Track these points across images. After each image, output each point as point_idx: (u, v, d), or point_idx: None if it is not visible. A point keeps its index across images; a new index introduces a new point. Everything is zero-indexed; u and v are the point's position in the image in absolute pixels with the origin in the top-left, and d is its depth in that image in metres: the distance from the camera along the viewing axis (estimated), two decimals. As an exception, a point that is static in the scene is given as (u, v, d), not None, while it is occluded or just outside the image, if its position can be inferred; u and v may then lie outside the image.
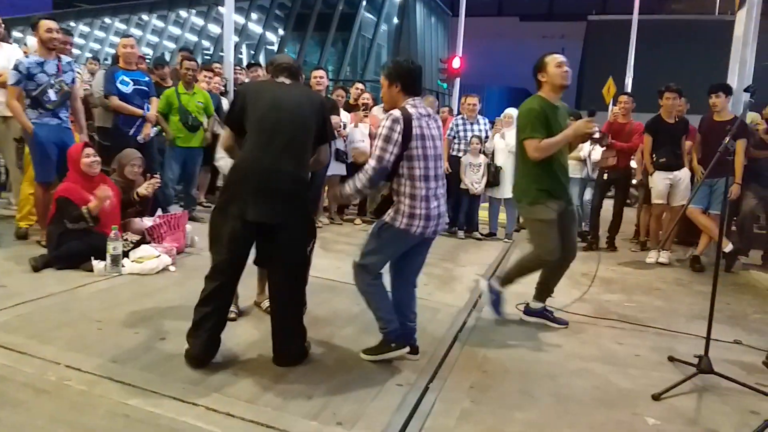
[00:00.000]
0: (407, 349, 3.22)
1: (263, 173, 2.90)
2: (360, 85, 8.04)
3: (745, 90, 3.41)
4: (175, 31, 31.52)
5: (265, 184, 2.89)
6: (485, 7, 36.32)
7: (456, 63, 16.33)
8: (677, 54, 24.72)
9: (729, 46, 8.05)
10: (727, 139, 3.25)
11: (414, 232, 3.03)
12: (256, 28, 29.29)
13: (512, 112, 7.05)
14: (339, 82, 17.25)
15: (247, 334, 3.48)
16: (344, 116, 7.03)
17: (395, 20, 30.87)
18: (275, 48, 29.23)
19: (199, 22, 30.77)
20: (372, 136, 7.21)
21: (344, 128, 6.95)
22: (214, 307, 2.96)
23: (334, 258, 5.45)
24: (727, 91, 5.91)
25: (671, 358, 3.47)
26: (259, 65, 7.91)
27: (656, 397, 2.95)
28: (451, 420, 2.65)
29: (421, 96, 3.20)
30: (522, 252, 4.04)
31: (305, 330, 3.15)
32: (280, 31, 29.90)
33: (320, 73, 6.67)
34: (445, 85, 18.75)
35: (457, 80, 16.71)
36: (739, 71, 7.66)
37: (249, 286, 3.76)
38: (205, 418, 2.48)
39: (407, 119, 2.94)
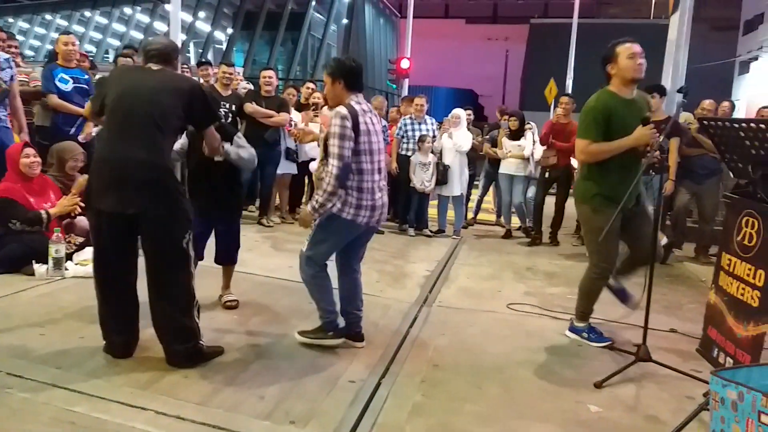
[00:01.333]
0: (342, 340, 3.36)
1: (114, 162, 2.82)
2: (311, 85, 8.01)
3: (678, 91, 3.59)
4: (119, 28, 30.51)
5: (116, 173, 2.80)
6: (432, 9, 36.78)
7: (404, 64, 16.48)
8: (615, 56, 25.64)
9: (663, 48, 8.45)
10: (662, 137, 3.43)
11: (360, 222, 3.16)
12: (204, 27, 28.69)
13: (459, 112, 7.20)
14: (289, 82, 17.12)
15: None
16: (295, 115, 7.00)
17: (345, 20, 30.86)
18: (223, 47, 28.72)
19: (145, 19, 29.89)
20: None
21: (295, 127, 6.92)
22: (107, 307, 2.96)
23: (286, 257, 5.42)
24: (662, 92, 6.20)
25: (612, 348, 3.63)
26: (210, 64, 7.79)
27: (598, 386, 3.09)
28: (403, 414, 2.70)
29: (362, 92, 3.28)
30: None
31: (194, 329, 3.00)
32: (229, 30, 29.40)
33: (269, 73, 6.62)
34: (394, 85, 18.87)
35: (406, 81, 16.87)
36: (673, 73, 8.06)
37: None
38: (155, 422, 2.44)
39: (354, 115, 3.05)
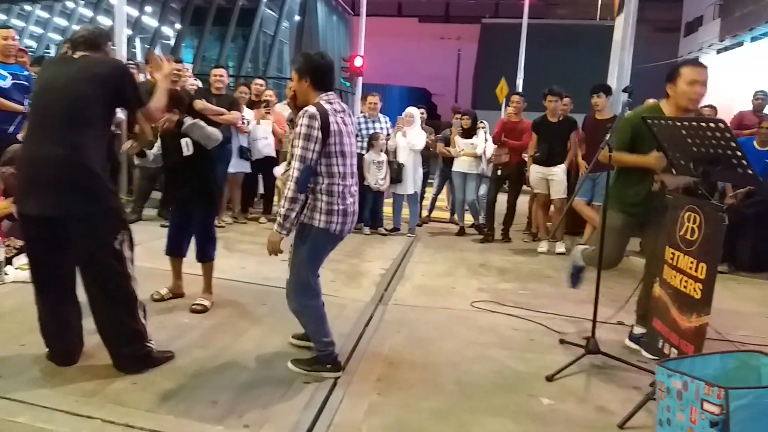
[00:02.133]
0: (341, 374, 3.07)
1: (32, 163, 2.71)
2: (260, 81, 7.90)
3: (624, 90, 3.70)
4: (61, 22, 29.31)
5: (35, 175, 2.69)
6: (385, 7, 36.80)
7: (358, 62, 16.45)
8: (563, 56, 26.26)
9: (609, 49, 8.70)
10: (608, 136, 3.52)
11: (334, 231, 2.95)
12: (150, 21, 27.88)
13: (413, 111, 7.23)
14: (240, 79, 16.80)
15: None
16: (247, 113, 6.89)
17: (297, 17, 30.54)
18: (171, 42, 27.98)
19: (88, 13, 28.81)
20: (275, 134, 7.12)
21: (247, 125, 6.82)
22: (46, 313, 2.86)
23: (238, 258, 5.34)
24: (608, 91, 6.39)
25: (562, 341, 3.72)
26: None
27: (550, 379, 3.16)
28: (359, 414, 2.69)
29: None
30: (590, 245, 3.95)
31: (140, 331, 2.89)
32: (177, 25, 28.67)
33: (221, 71, 6.49)
34: (347, 83, 18.81)
35: (360, 79, 16.84)
36: (618, 73, 8.29)
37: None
38: (102, 431, 2.36)
39: (324, 115, 2.85)
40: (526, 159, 6.97)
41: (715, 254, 2.67)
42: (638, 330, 3.68)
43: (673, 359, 2.57)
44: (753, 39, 22.74)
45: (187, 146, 3.80)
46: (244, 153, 6.82)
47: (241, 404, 2.69)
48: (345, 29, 36.04)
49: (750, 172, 2.65)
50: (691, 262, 2.75)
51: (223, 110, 6.28)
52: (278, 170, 6.61)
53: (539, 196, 6.75)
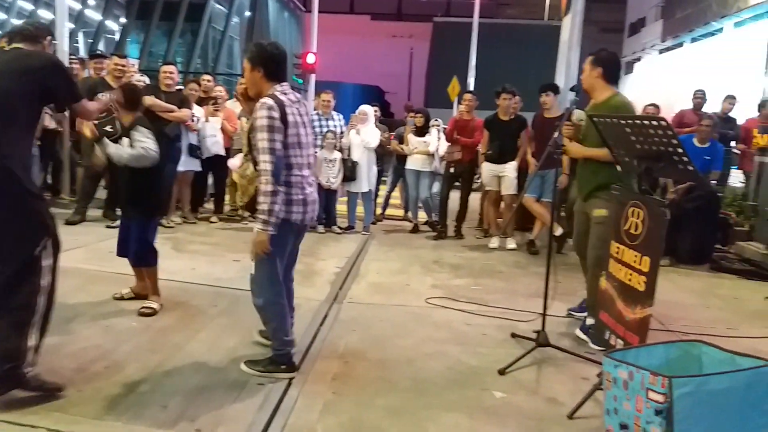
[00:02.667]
0: (295, 374, 3.03)
1: None
2: (209, 77, 7.73)
3: (571, 89, 3.80)
4: (-1, 15, 28.00)
5: None
6: (337, 4, 36.64)
7: (310, 59, 16.32)
8: (513, 55, 26.78)
9: (557, 49, 8.90)
10: (556, 134, 3.61)
11: (296, 220, 2.94)
12: (94, 15, 26.92)
13: (366, 108, 7.22)
14: (189, 75, 16.41)
15: (91, 344, 3.23)
16: (197, 110, 6.73)
17: (247, 13, 30.07)
18: (116, 37, 27.10)
19: (27, 6, 27.58)
20: (225, 131, 6.99)
21: (197, 122, 6.66)
22: None
23: (188, 259, 5.22)
24: (556, 90, 6.53)
25: (514, 335, 3.79)
26: (104, 56, 7.31)
27: (502, 372, 3.21)
28: (314, 414, 2.67)
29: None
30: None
31: (19, 350, 2.50)
32: (122, 19, 27.78)
33: (171, 68, 6.33)
34: (300, 80, 18.64)
35: (312, 76, 16.71)
36: (566, 72, 8.50)
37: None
38: (46, 440, 2.27)
39: (281, 106, 2.82)
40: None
41: (658, 248, 2.77)
42: (590, 321, 3.77)
43: (619, 350, 2.65)
44: (693, 40, 23.71)
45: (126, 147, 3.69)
46: (194, 151, 6.66)
47: (193, 408, 2.63)
48: (297, 26, 35.71)
49: (690, 168, 2.76)
50: (636, 256, 2.84)
51: (173, 107, 6.13)
52: (234, 163, 6.44)
53: (490, 194, 6.86)
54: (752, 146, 7.54)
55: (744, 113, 9.22)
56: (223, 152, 6.94)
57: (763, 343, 3.71)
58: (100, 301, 3.92)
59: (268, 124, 2.78)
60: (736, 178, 8.87)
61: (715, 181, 6.90)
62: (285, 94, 2.92)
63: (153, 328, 3.55)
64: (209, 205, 7.54)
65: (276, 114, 2.79)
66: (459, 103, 9.19)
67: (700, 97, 8.64)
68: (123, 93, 3.80)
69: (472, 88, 17.31)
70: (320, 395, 2.85)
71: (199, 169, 6.81)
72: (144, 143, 3.64)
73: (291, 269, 3.29)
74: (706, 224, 6.17)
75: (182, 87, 6.97)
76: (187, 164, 6.59)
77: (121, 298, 3.96)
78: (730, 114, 8.88)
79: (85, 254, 4.97)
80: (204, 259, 5.22)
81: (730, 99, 8.87)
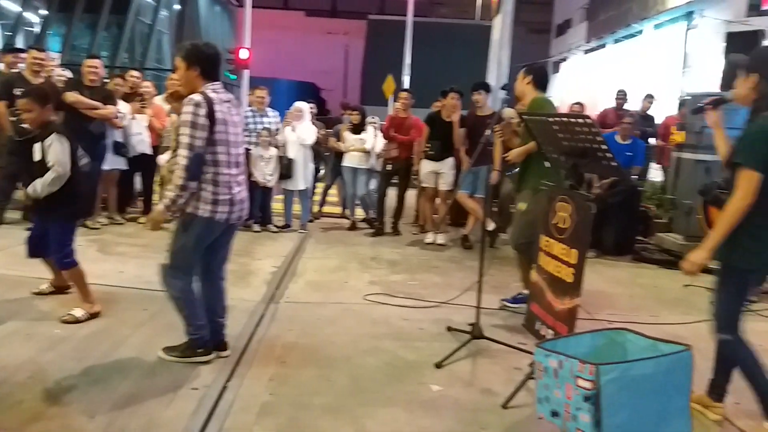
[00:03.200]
0: (213, 355, 3.16)
1: None
2: (136, 73, 7.43)
3: (502, 88, 3.92)
4: None
5: None
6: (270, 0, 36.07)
7: (243, 54, 15.99)
8: (446, 54, 27.13)
9: (488, 48, 9.12)
10: (488, 131, 3.70)
11: (219, 220, 2.96)
12: (11, 6, 25.33)
13: (302, 105, 7.15)
14: (115, 70, 15.71)
15: (12, 353, 3.05)
16: (123, 107, 6.46)
17: (176, 6, 29.10)
18: (36, 30, 25.60)
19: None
20: (153, 128, 6.75)
21: (123, 119, 6.39)
22: None
23: (116, 262, 5.01)
24: (488, 89, 6.68)
25: (449, 328, 3.86)
26: (21, 50, 6.88)
27: (438, 365, 3.27)
28: (250, 416, 2.63)
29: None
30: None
31: None
32: (42, 11, 26.27)
33: (95, 62, 6.04)
34: (233, 76, 18.21)
35: (246, 72, 16.38)
36: (497, 71, 8.73)
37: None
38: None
39: (209, 103, 2.87)
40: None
41: (585, 241, 2.89)
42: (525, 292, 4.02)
43: (549, 340, 2.74)
44: (615, 41, 24.82)
45: (38, 152, 3.50)
46: (120, 149, 6.40)
47: (123, 417, 2.53)
48: (229, 20, 34.89)
49: (614, 164, 2.89)
50: (564, 249, 2.95)
51: (98, 104, 5.84)
52: (162, 158, 6.25)
53: (427, 190, 6.92)
54: (670, 142, 7.98)
55: (662, 111, 9.75)
56: (149, 151, 6.68)
57: (683, 329, 3.93)
58: (20, 307, 3.71)
59: (192, 120, 2.83)
60: (656, 173, 9.35)
61: (636, 176, 7.24)
62: (216, 92, 2.96)
63: (78, 335, 3.39)
64: (137, 206, 7.26)
65: (202, 111, 2.84)
66: (395, 100, 9.24)
67: (621, 98, 9.05)
68: (35, 93, 3.60)
69: (407, 86, 17.46)
70: (257, 397, 2.80)
71: (125, 167, 6.55)
72: (57, 158, 3.46)
73: (221, 267, 3.29)
74: (628, 217, 6.48)
75: (108, 81, 6.67)
76: (112, 162, 6.32)
77: (40, 294, 3.87)
78: (649, 112, 9.36)
79: (4, 258, 4.69)
80: (133, 261, 5.02)
81: (649, 98, 9.35)
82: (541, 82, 4.15)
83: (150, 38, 26.60)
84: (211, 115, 2.86)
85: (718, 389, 2.83)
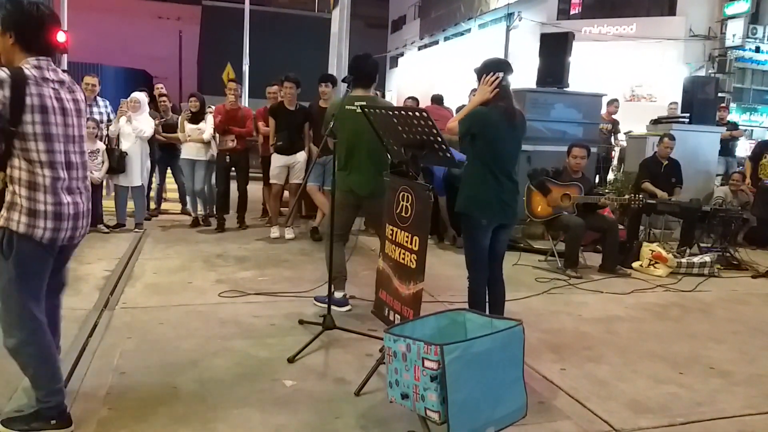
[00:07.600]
0: (72, 428, 2.44)
1: None
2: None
3: (343, 80, 3.95)
4: None
5: None
6: (88, -23, 32.88)
7: (60, 37, 14.36)
8: (287, 45, 26.87)
9: (328, 40, 9.18)
10: (332, 123, 3.72)
11: (40, 238, 2.32)
12: None
13: (139, 95, 6.65)
14: None
15: None
16: None
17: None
18: None
19: None
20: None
21: None
22: None
23: None
24: (335, 81, 6.75)
25: (301, 322, 3.85)
26: None
27: (291, 360, 3.25)
28: (85, 436, 2.41)
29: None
30: None
31: None
32: None
33: None
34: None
35: (65, 56, 14.80)
36: (337, 64, 8.82)
37: None
38: None
39: (19, 81, 2.24)
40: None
41: (426, 228, 3.04)
42: (338, 294, 4.12)
43: (397, 325, 2.85)
44: (446, 39, 26.35)
45: None
46: None
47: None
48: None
49: (449, 155, 3.07)
50: (407, 236, 3.08)
51: None
52: None
53: (274, 186, 6.77)
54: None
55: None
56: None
57: (513, 305, 4.29)
58: None
59: None
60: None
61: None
62: (39, 68, 2.34)
63: None
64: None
65: (5, 92, 2.22)
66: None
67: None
68: None
69: (247, 76, 17.00)
70: (92, 414, 2.57)
71: None
72: None
73: (57, 295, 2.72)
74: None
75: None
76: None
77: None
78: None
79: None
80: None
81: (614, 102, 10.20)
82: (360, 77, 3.98)
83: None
84: (19, 98, 2.23)
85: None
